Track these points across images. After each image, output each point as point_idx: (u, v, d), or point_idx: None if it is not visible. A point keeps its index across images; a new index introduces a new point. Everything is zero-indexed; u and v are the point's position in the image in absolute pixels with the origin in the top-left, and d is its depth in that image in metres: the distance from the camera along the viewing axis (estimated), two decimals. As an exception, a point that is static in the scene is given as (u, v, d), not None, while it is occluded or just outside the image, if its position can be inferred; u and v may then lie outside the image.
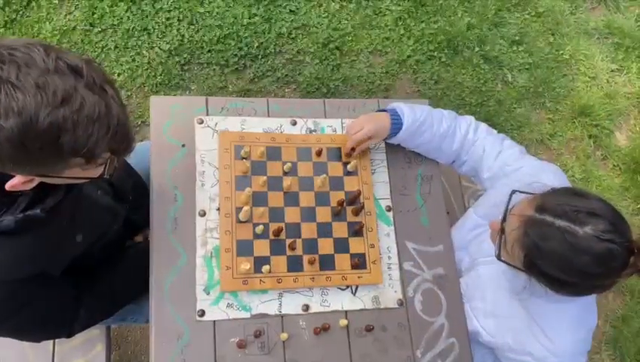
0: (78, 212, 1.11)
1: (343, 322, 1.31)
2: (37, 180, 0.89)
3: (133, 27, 2.38)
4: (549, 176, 1.32)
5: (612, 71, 2.98)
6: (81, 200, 1.13)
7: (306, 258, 1.34)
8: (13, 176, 0.87)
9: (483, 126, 1.50)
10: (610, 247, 1.02)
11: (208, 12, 2.48)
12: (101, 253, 1.32)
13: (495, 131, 1.51)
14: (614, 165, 2.76)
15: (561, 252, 1.05)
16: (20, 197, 0.94)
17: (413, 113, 1.42)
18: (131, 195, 1.39)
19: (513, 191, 1.20)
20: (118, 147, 0.89)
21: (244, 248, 1.32)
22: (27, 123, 0.76)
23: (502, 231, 1.17)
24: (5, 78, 0.75)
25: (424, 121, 1.43)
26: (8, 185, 0.87)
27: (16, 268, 0.98)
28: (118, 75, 2.31)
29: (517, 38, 2.87)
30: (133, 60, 2.34)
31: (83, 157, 0.84)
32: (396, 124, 1.42)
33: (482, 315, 1.36)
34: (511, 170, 1.38)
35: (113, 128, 0.84)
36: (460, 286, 1.44)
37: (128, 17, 2.38)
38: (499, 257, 1.18)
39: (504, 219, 1.17)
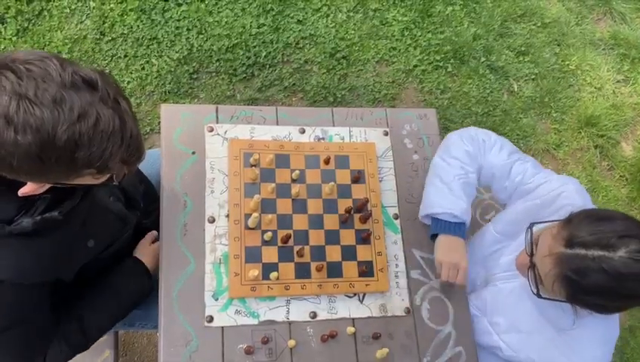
0: (90, 217, 1.12)
1: (350, 329, 1.32)
2: (48, 185, 0.91)
3: (143, 36, 2.41)
4: (570, 195, 1.29)
5: (618, 81, 2.99)
6: (94, 206, 1.15)
7: (313, 265, 1.35)
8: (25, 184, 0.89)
9: (489, 144, 1.44)
10: None
11: (217, 22, 2.51)
12: (111, 260, 1.33)
13: (504, 143, 1.46)
14: (621, 176, 2.76)
15: (603, 283, 1.04)
16: (38, 201, 0.95)
17: (458, 203, 1.37)
18: (142, 202, 1.41)
19: (531, 225, 1.19)
20: (130, 158, 0.91)
21: (252, 255, 1.33)
22: (45, 139, 0.77)
23: (532, 266, 1.15)
24: (24, 94, 0.76)
25: (465, 192, 1.39)
26: (21, 192, 0.88)
27: (32, 271, 0.99)
28: (128, 83, 2.34)
29: (523, 48, 2.89)
30: (143, 69, 2.37)
31: (96, 168, 0.86)
32: (459, 229, 1.38)
33: (504, 330, 1.34)
34: (529, 189, 1.36)
35: (127, 141, 0.86)
36: (478, 299, 1.43)
37: (138, 26, 2.41)
38: (539, 295, 1.16)
39: (531, 254, 1.16)
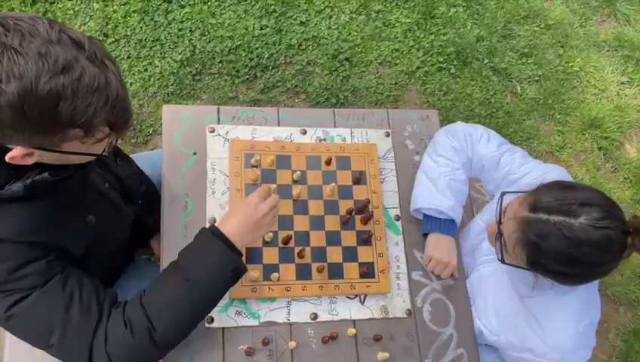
0: (86, 197, 1.10)
1: (351, 331, 1.31)
2: (37, 154, 0.89)
3: (146, 38, 2.41)
4: (553, 177, 1.31)
5: (622, 83, 2.97)
6: (89, 187, 1.12)
7: (314, 266, 1.35)
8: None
9: (476, 136, 1.46)
10: (608, 233, 1.04)
11: (220, 23, 2.51)
12: (113, 259, 1.33)
13: (491, 135, 1.47)
14: (625, 178, 2.75)
15: (561, 247, 1.06)
16: (30, 171, 0.94)
17: (444, 200, 1.40)
18: (143, 200, 1.40)
19: (503, 193, 1.22)
20: (117, 121, 0.89)
21: (253, 256, 1.33)
22: (27, 88, 0.77)
23: (500, 233, 1.18)
24: (9, 44, 0.77)
25: (452, 191, 1.42)
26: (8, 157, 0.87)
27: (29, 229, 0.96)
28: (131, 84, 2.34)
29: (526, 50, 2.88)
30: (146, 70, 2.38)
31: (81, 127, 0.85)
32: (450, 227, 1.42)
33: (484, 315, 1.36)
34: (516, 178, 1.37)
35: (112, 100, 0.85)
36: (467, 285, 1.45)
37: (141, 28, 2.42)
38: (503, 261, 1.19)
39: (500, 221, 1.18)
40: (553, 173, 1.34)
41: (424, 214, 1.44)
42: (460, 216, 1.44)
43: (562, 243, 1.06)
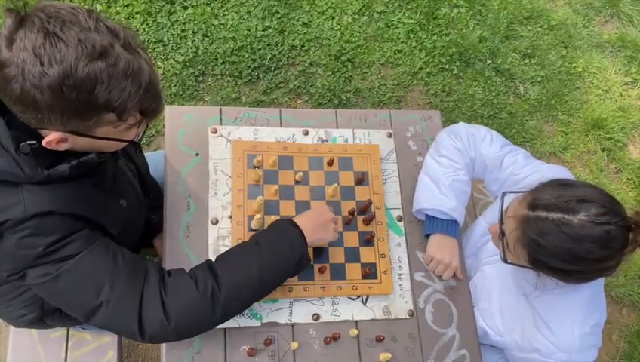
0: (119, 182, 1.18)
1: (354, 332, 1.31)
2: (71, 140, 0.94)
3: (149, 39, 2.42)
4: (554, 176, 1.30)
5: (625, 84, 2.97)
6: (119, 172, 1.19)
7: (316, 267, 1.35)
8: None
9: (479, 137, 1.46)
10: (608, 229, 1.04)
11: (222, 24, 2.52)
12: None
13: (494, 135, 1.46)
14: (628, 178, 2.74)
15: (561, 244, 1.06)
16: (69, 157, 0.99)
17: (446, 200, 1.39)
18: (153, 195, 1.44)
19: (504, 193, 1.22)
20: (148, 106, 0.94)
21: (255, 256, 1.32)
22: (67, 71, 0.82)
23: (502, 233, 1.18)
24: (51, 30, 0.82)
25: (455, 191, 1.41)
26: (44, 141, 0.92)
27: (76, 203, 1.01)
28: (134, 85, 2.35)
29: (529, 50, 2.88)
30: (149, 71, 2.38)
31: (114, 112, 0.90)
32: (453, 228, 1.42)
33: (489, 315, 1.36)
34: (519, 179, 1.37)
35: (145, 85, 0.90)
36: (470, 286, 1.45)
37: (144, 29, 2.43)
38: (505, 260, 1.19)
39: (502, 222, 1.18)
40: (555, 173, 1.33)
41: (426, 215, 1.44)
42: (463, 216, 1.44)
43: (561, 239, 1.06)
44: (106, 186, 1.11)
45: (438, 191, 1.41)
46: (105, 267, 1.05)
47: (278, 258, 1.18)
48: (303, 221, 1.24)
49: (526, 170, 1.37)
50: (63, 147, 0.95)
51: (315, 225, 1.25)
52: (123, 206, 1.17)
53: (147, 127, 1.04)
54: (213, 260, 1.18)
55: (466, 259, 1.49)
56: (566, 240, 1.05)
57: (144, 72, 0.90)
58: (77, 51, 0.83)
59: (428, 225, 1.43)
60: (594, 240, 1.04)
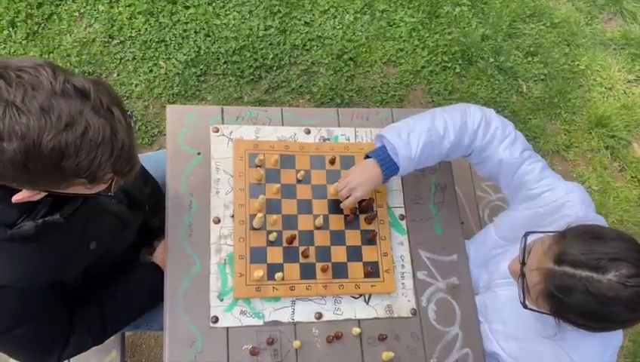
0: (90, 219, 1.12)
1: (356, 331, 1.31)
2: (43, 193, 0.90)
3: (151, 39, 2.42)
4: (574, 205, 1.25)
5: (629, 82, 2.95)
6: (94, 209, 1.13)
7: (319, 266, 1.34)
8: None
9: (502, 134, 1.37)
10: (638, 291, 0.99)
11: (224, 24, 2.52)
12: (115, 261, 1.33)
13: (518, 136, 1.38)
14: (632, 176, 2.72)
15: (587, 305, 1.02)
16: (39, 205, 0.95)
17: (408, 147, 1.32)
18: (149, 202, 1.41)
19: (527, 233, 1.17)
20: (122, 169, 0.89)
21: (257, 255, 1.32)
22: (30, 146, 0.76)
23: (522, 275, 1.13)
24: (11, 101, 0.75)
25: (423, 150, 1.33)
26: (15, 199, 0.87)
27: (36, 273, 0.99)
28: (136, 85, 2.35)
29: (532, 48, 2.87)
30: (151, 71, 2.38)
31: (86, 178, 0.85)
32: (389, 169, 1.34)
33: (503, 338, 1.33)
34: (533, 195, 1.31)
35: (117, 152, 0.84)
36: (478, 304, 1.42)
37: (146, 29, 2.43)
38: (524, 305, 1.14)
39: (523, 263, 1.14)
40: (575, 195, 1.27)
41: (382, 143, 1.37)
42: (407, 172, 1.37)
43: (587, 300, 1.01)
44: (75, 235, 1.06)
45: (409, 137, 1.33)
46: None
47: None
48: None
49: (542, 186, 1.30)
50: (37, 198, 0.90)
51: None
52: (92, 248, 1.12)
53: (123, 181, 0.97)
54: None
55: (473, 269, 1.45)
56: (593, 302, 1.01)
57: (117, 137, 0.84)
58: (40, 124, 0.76)
59: (377, 151, 1.37)
60: (622, 303, 1.00)
